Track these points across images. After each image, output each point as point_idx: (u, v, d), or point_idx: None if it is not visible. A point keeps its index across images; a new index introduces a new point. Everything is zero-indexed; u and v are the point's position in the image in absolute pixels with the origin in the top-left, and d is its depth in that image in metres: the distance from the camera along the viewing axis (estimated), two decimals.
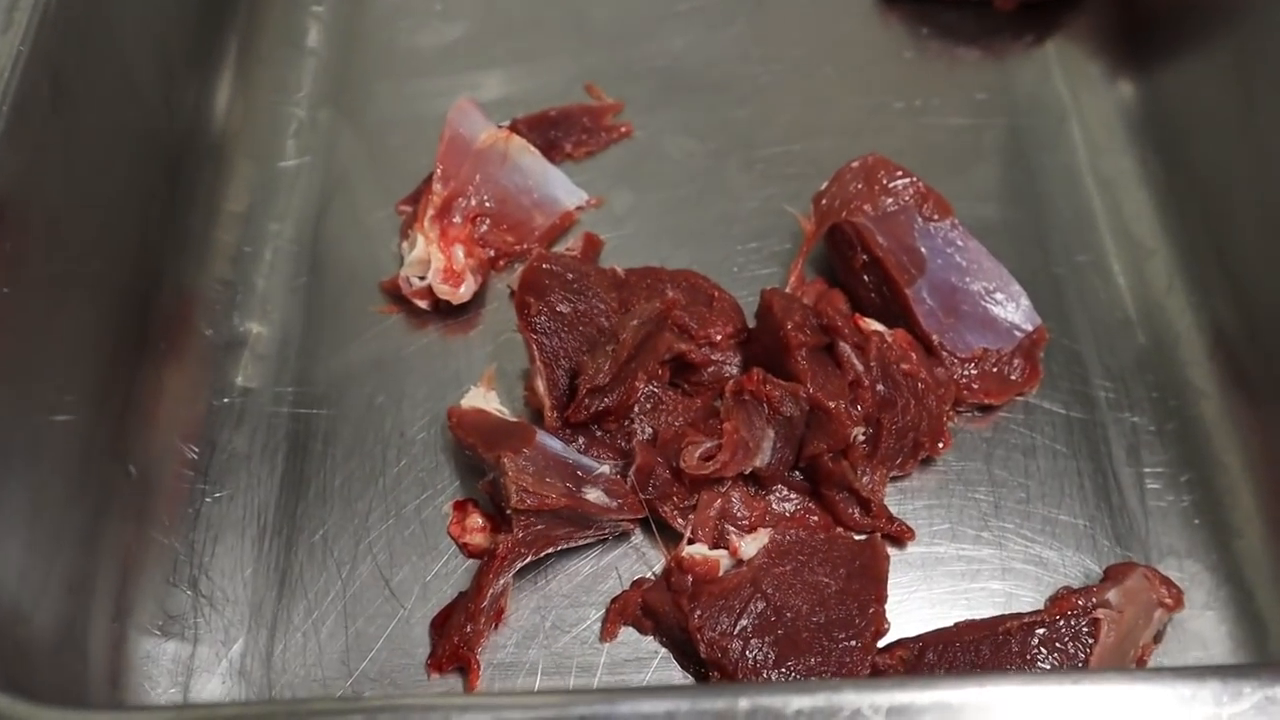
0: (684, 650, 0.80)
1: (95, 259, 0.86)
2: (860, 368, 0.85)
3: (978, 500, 0.88)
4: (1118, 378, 0.94)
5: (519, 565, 0.81)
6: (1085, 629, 0.78)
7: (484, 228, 1.00)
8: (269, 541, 0.86)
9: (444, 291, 0.95)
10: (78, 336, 0.83)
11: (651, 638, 0.82)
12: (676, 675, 0.80)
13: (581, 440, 0.86)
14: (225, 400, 0.93)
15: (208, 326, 0.96)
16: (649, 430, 0.87)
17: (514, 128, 1.06)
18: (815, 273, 0.99)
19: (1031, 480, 0.89)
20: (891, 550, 0.85)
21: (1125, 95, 1.12)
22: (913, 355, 0.88)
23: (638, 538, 0.86)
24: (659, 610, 0.81)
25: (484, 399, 0.89)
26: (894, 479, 0.88)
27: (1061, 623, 0.79)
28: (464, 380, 0.93)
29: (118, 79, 0.92)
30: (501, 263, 1.01)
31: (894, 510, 0.86)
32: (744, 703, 0.54)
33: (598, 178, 1.07)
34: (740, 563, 0.82)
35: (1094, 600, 0.79)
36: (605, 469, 0.84)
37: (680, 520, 0.84)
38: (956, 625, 0.80)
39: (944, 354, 0.91)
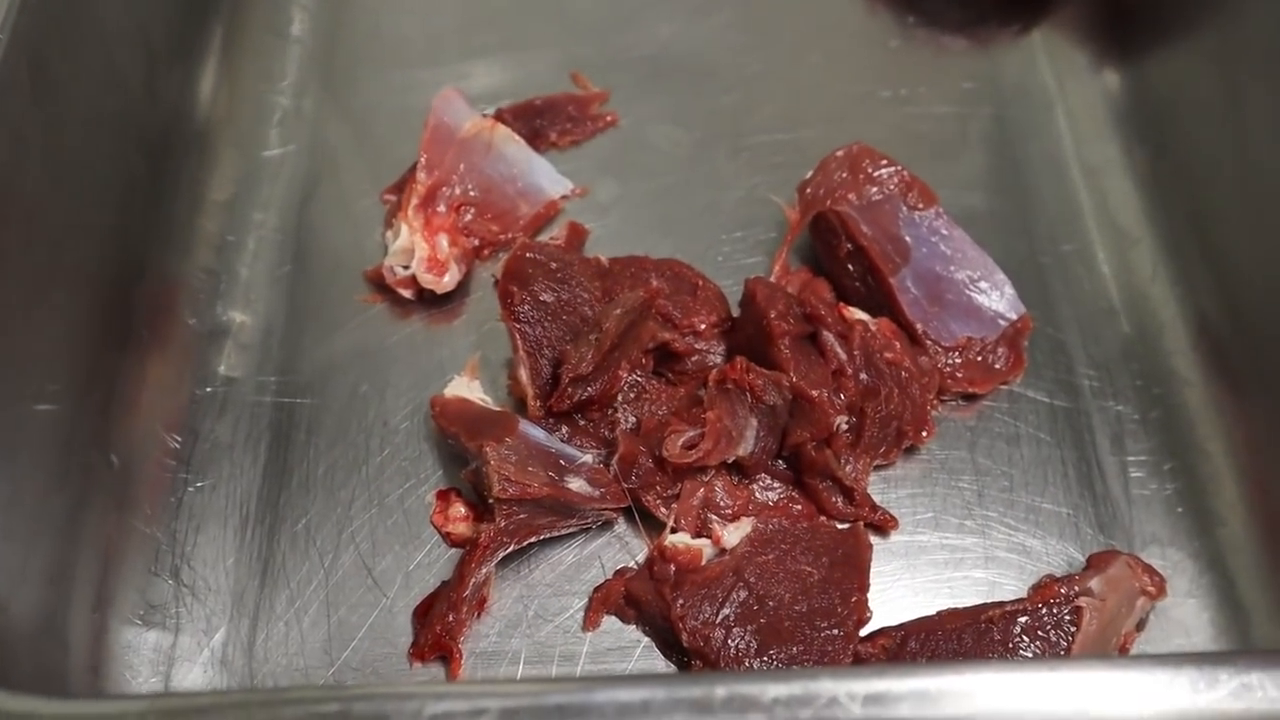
0: (667, 639, 0.80)
1: (77, 248, 0.85)
2: (844, 356, 0.85)
3: (961, 489, 0.88)
4: (1102, 366, 0.94)
5: (501, 554, 0.81)
6: (1068, 617, 0.78)
7: (468, 217, 0.99)
8: (251, 531, 0.86)
9: (428, 281, 0.95)
10: (59, 326, 0.82)
11: (634, 627, 0.82)
12: (659, 664, 0.80)
13: (565, 429, 0.86)
14: (208, 389, 0.93)
15: (191, 315, 0.96)
16: (632, 419, 0.87)
17: (499, 116, 1.06)
18: (800, 262, 0.99)
19: (1015, 469, 0.89)
20: (875, 539, 0.85)
21: (1111, 84, 1.12)
22: (896, 344, 0.88)
23: (621, 527, 0.86)
24: (642, 599, 0.81)
25: (467, 388, 0.88)
26: (878, 468, 0.88)
27: (1044, 611, 0.79)
28: (448, 369, 0.92)
29: (100, 67, 0.91)
30: (486, 252, 1.00)
31: (877, 499, 0.86)
32: (720, 691, 0.54)
33: (583, 167, 1.07)
34: (723, 552, 0.82)
35: (1076, 588, 0.79)
36: (588, 458, 0.84)
37: (663, 509, 0.84)
38: (939, 614, 0.80)
39: (928, 343, 0.91)
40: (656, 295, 0.90)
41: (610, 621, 0.82)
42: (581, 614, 0.82)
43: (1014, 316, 0.93)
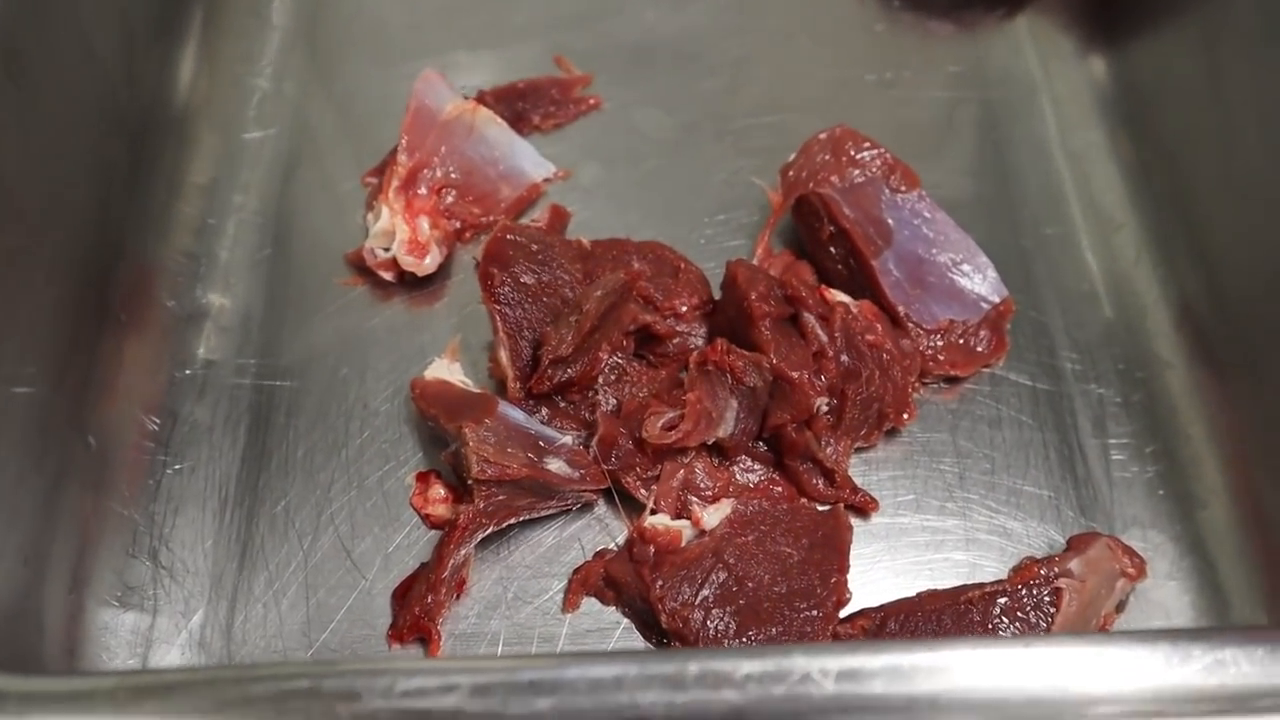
0: (646, 621, 0.80)
1: (55, 231, 0.85)
2: (824, 338, 0.85)
3: (943, 471, 0.88)
4: (1084, 349, 0.94)
5: (480, 536, 0.81)
6: (1047, 598, 0.78)
7: (449, 199, 0.99)
8: (230, 513, 0.86)
9: (409, 263, 0.95)
10: (37, 308, 0.82)
11: (614, 608, 0.82)
12: (639, 645, 0.80)
13: (545, 411, 0.86)
14: (187, 372, 0.93)
15: (170, 298, 0.96)
16: (613, 401, 0.86)
17: (481, 99, 1.05)
18: (783, 244, 0.99)
19: (997, 451, 0.89)
20: (856, 521, 0.85)
21: (1096, 70, 1.12)
22: (878, 326, 0.88)
23: (601, 509, 0.85)
24: (621, 581, 0.81)
25: (448, 370, 0.88)
26: (859, 450, 0.88)
27: (1024, 592, 0.79)
28: (428, 352, 0.92)
29: (77, 50, 0.91)
30: (467, 234, 1.00)
31: (859, 481, 0.86)
32: (693, 667, 0.53)
33: (566, 150, 1.06)
34: (703, 533, 0.82)
35: (1056, 570, 0.79)
36: (568, 439, 0.84)
37: (643, 491, 0.84)
38: (919, 595, 0.80)
39: (910, 325, 0.91)
40: (638, 277, 0.90)
41: (590, 603, 0.82)
42: (561, 596, 0.82)
43: (996, 299, 0.92)
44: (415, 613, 0.79)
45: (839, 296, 0.88)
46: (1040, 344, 0.94)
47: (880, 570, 0.83)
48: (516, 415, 0.83)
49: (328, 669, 0.54)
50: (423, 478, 0.86)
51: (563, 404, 0.86)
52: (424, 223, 0.96)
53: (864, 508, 0.85)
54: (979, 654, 0.55)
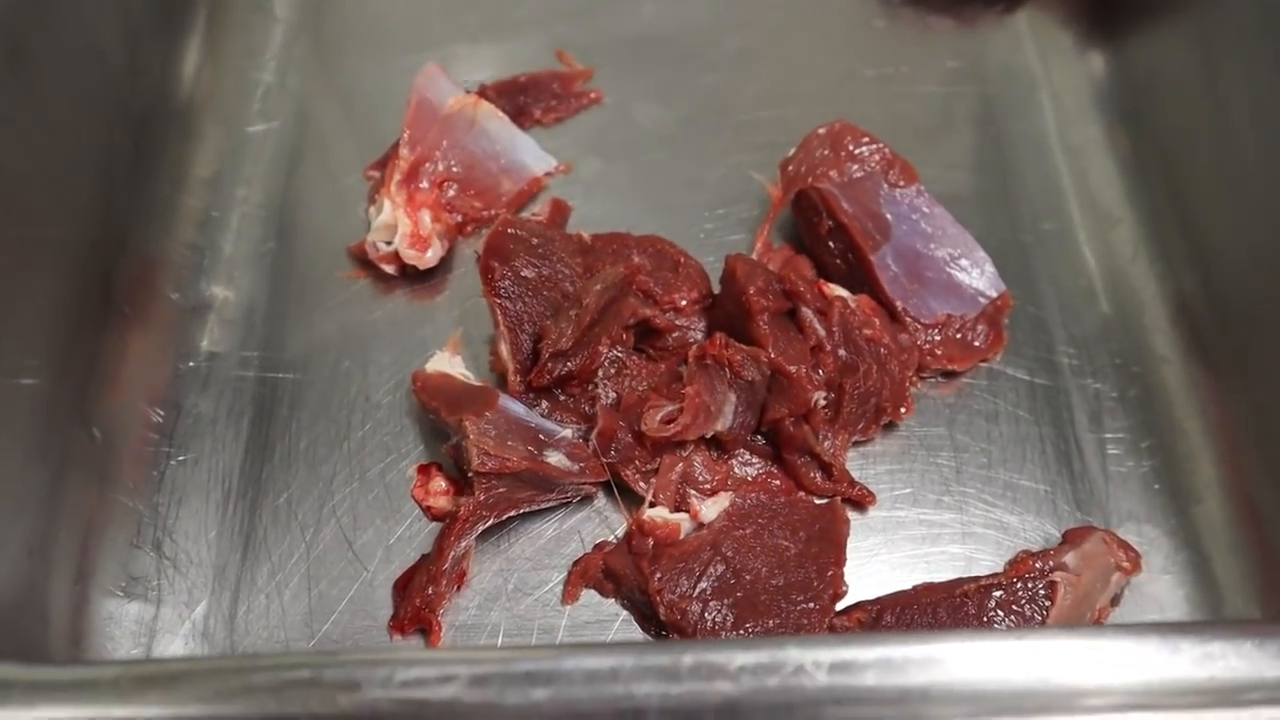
0: (645, 612, 0.81)
1: (59, 224, 0.85)
2: (822, 332, 0.85)
3: (940, 465, 0.88)
4: (1081, 345, 0.95)
5: (481, 528, 0.81)
6: (1042, 591, 0.79)
7: (451, 193, 0.99)
8: (233, 504, 0.86)
9: (410, 256, 0.95)
10: (41, 301, 0.82)
11: (613, 600, 0.82)
12: (637, 637, 0.81)
13: (545, 404, 0.86)
14: (191, 364, 0.93)
15: (174, 291, 0.96)
16: (612, 395, 0.87)
17: (482, 93, 1.06)
18: (782, 239, 0.99)
19: (994, 446, 0.89)
20: (853, 514, 0.85)
21: (1094, 66, 1.12)
22: (876, 321, 0.88)
23: (600, 501, 0.86)
24: (620, 573, 0.81)
25: (449, 364, 0.89)
26: (857, 444, 0.89)
27: (1019, 585, 0.79)
28: (430, 345, 0.93)
29: (81, 43, 0.91)
30: (469, 228, 1.00)
31: (856, 475, 0.87)
32: (688, 659, 0.54)
33: (567, 144, 1.07)
34: (701, 526, 0.83)
35: (1051, 563, 0.80)
36: (567, 432, 0.84)
37: (642, 484, 0.84)
38: (915, 588, 0.81)
39: (908, 320, 0.91)
40: (637, 271, 0.90)
41: (589, 595, 0.82)
42: (560, 587, 0.83)
43: (994, 294, 0.93)
44: (416, 604, 0.80)
45: (837, 291, 0.89)
46: (1038, 339, 0.95)
47: (877, 563, 0.84)
48: (517, 408, 0.84)
49: (328, 659, 0.55)
50: (424, 470, 0.87)
51: (563, 397, 0.87)
52: (426, 216, 0.96)
53: (861, 501, 0.86)
54: (970, 646, 0.56)
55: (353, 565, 0.84)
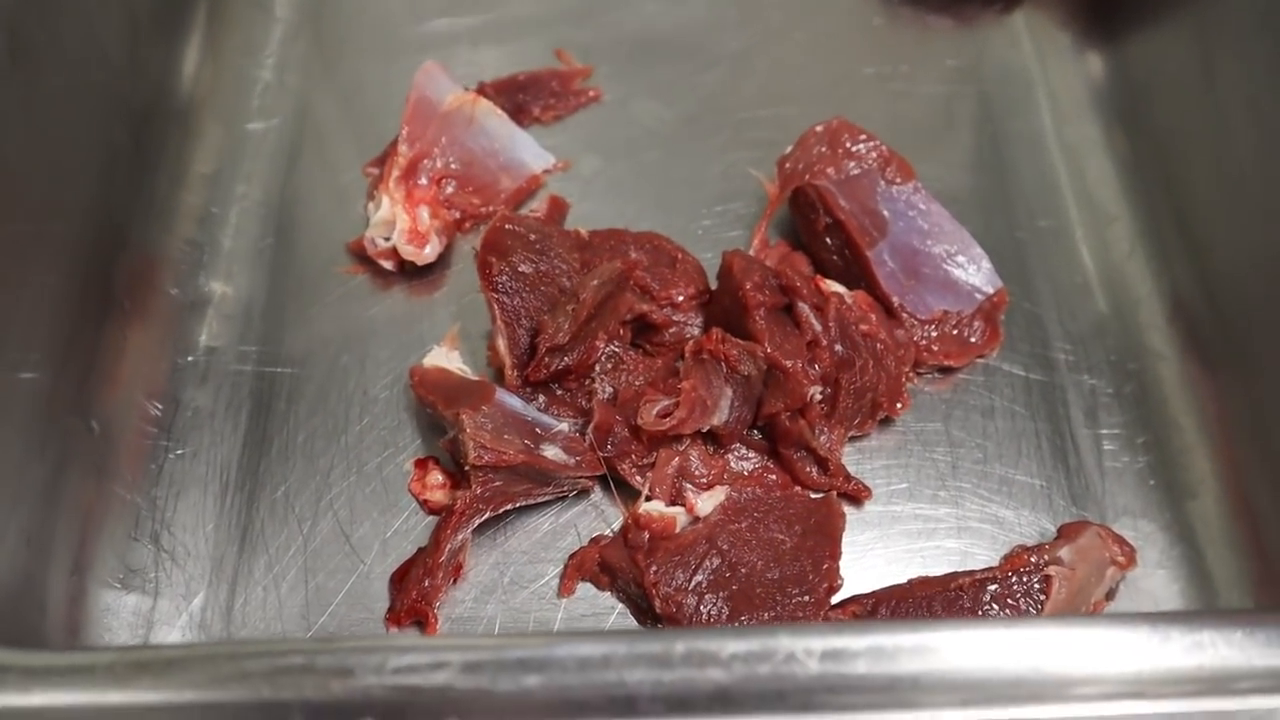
0: (640, 605, 0.81)
1: (59, 219, 0.86)
2: (818, 328, 0.85)
3: (936, 460, 0.89)
4: (1077, 341, 0.95)
5: (477, 521, 0.82)
6: (1037, 585, 0.79)
7: (450, 189, 1.00)
8: (231, 497, 0.87)
9: (409, 252, 0.96)
10: (41, 295, 0.83)
11: (609, 593, 0.83)
12: (633, 629, 0.81)
13: (542, 399, 0.87)
14: (189, 359, 0.94)
15: (173, 286, 0.97)
16: (609, 389, 0.87)
17: (481, 91, 1.06)
18: (779, 236, 1.00)
19: (990, 441, 0.90)
20: (849, 509, 0.86)
21: (1092, 65, 1.13)
22: (872, 316, 0.88)
23: (597, 495, 0.86)
24: (616, 566, 0.82)
25: (446, 358, 0.89)
26: (853, 439, 0.89)
27: (1014, 579, 0.80)
28: (428, 340, 0.93)
29: (82, 39, 0.92)
30: (467, 224, 1.01)
31: (852, 470, 0.87)
32: (680, 646, 0.54)
33: (566, 142, 1.07)
34: (697, 520, 0.83)
35: (1046, 557, 0.80)
36: (564, 426, 0.85)
37: (638, 478, 0.85)
38: (910, 582, 0.81)
39: (904, 316, 0.92)
40: (634, 267, 0.91)
41: (585, 588, 0.83)
42: (557, 581, 0.83)
43: (990, 290, 0.93)
44: (412, 596, 0.80)
45: (834, 287, 0.89)
46: (1034, 335, 0.95)
47: (873, 557, 0.84)
48: (514, 402, 0.84)
49: (322, 646, 0.55)
50: (421, 464, 0.87)
51: (559, 392, 0.87)
52: (424, 212, 0.97)
53: (857, 496, 0.86)
54: (961, 635, 0.56)
55: (349, 558, 0.84)
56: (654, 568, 0.80)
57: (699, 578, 0.80)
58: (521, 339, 0.87)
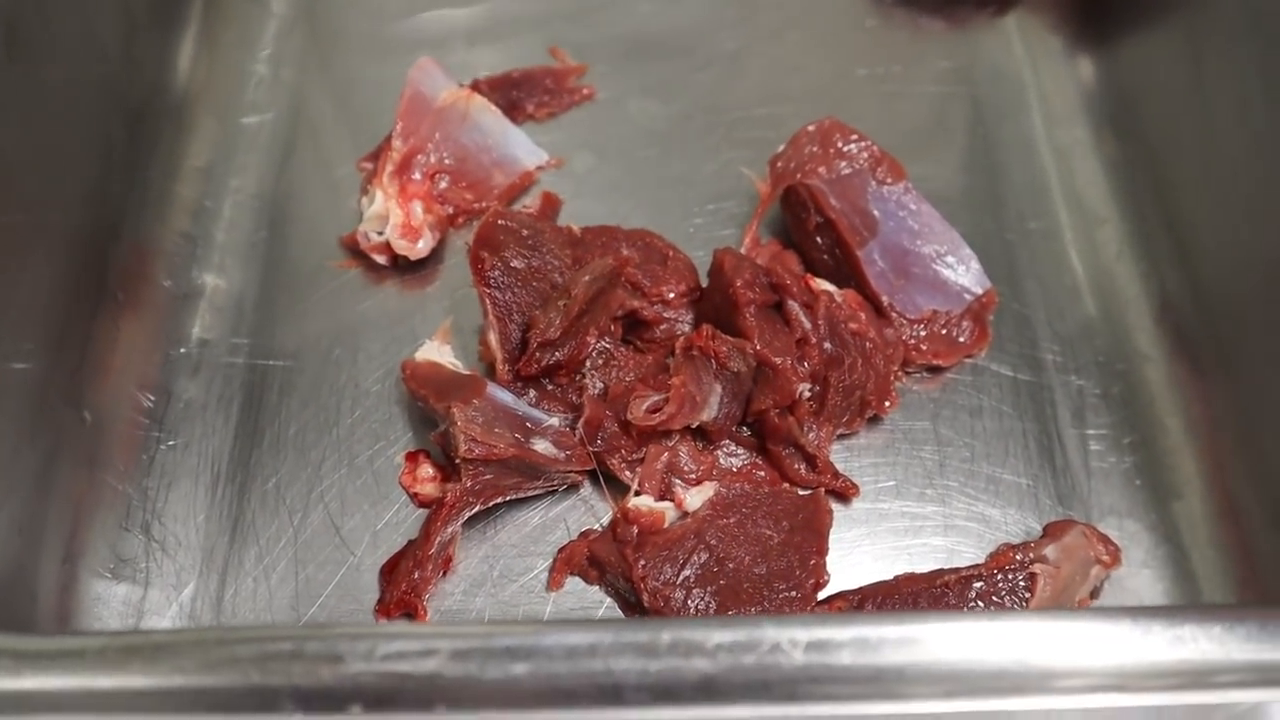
0: (629, 600, 0.82)
1: (54, 210, 0.86)
2: (808, 325, 0.86)
3: (923, 459, 0.89)
4: (1065, 342, 0.96)
5: (467, 514, 0.82)
6: (1022, 583, 0.80)
7: (443, 185, 1.00)
8: (222, 489, 0.87)
9: (401, 247, 0.96)
10: (35, 286, 0.83)
11: (597, 587, 0.83)
12: None
13: (532, 393, 0.87)
14: (182, 351, 0.94)
15: (166, 278, 0.97)
16: (600, 385, 0.88)
17: (475, 87, 1.07)
18: (771, 234, 1.00)
19: (977, 440, 0.90)
20: (837, 506, 0.86)
21: (1083, 68, 1.13)
22: (861, 315, 0.89)
23: (586, 490, 0.87)
24: (605, 560, 0.82)
25: (438, 352, 0.89)
26: (841, 437, 0.90)
27: (999, 576, 0.80)
28: (420, 335, 0.94)
29: (78, 32, 0.92)
30: (460, 220, 1.01)
31: (840, 467, 0.88)
32: (666, 636, 0.55)
33: (559, 139, 1.08)
34: (685, 515, 0.84)
35: (1031, 555, 0.81)
36: (554, 421, 0.85)
37: (628, 473, 0.85)
38: (896, 578, 0.82)
39: (894, 315, 0.92)
40: (626, 263, 0.91)
41: (574, 582, 0.83)
42: (546, 574, 0.83)
43: (979, 291, 0.94)
44: (402, 588, 0.81)
45: (824, 285, 0.89)
46: (1022, 336, 0.96)
47: (860, 554, 0.85)
48: (505, 397, 0.85)
49: (311, 632, 0.55)
50: (412, 457, 0.88)
51: (550, 386, 0.88)
52: (417, 207, 0.97)
53: (845, 493, 0.87)
54: (946, 627, 0.56)
55: (340, 550, 0.84)
56: (642, 562, 0.80)
57: (687, 572, 0.80)
58: (513, 334, 0.88)
